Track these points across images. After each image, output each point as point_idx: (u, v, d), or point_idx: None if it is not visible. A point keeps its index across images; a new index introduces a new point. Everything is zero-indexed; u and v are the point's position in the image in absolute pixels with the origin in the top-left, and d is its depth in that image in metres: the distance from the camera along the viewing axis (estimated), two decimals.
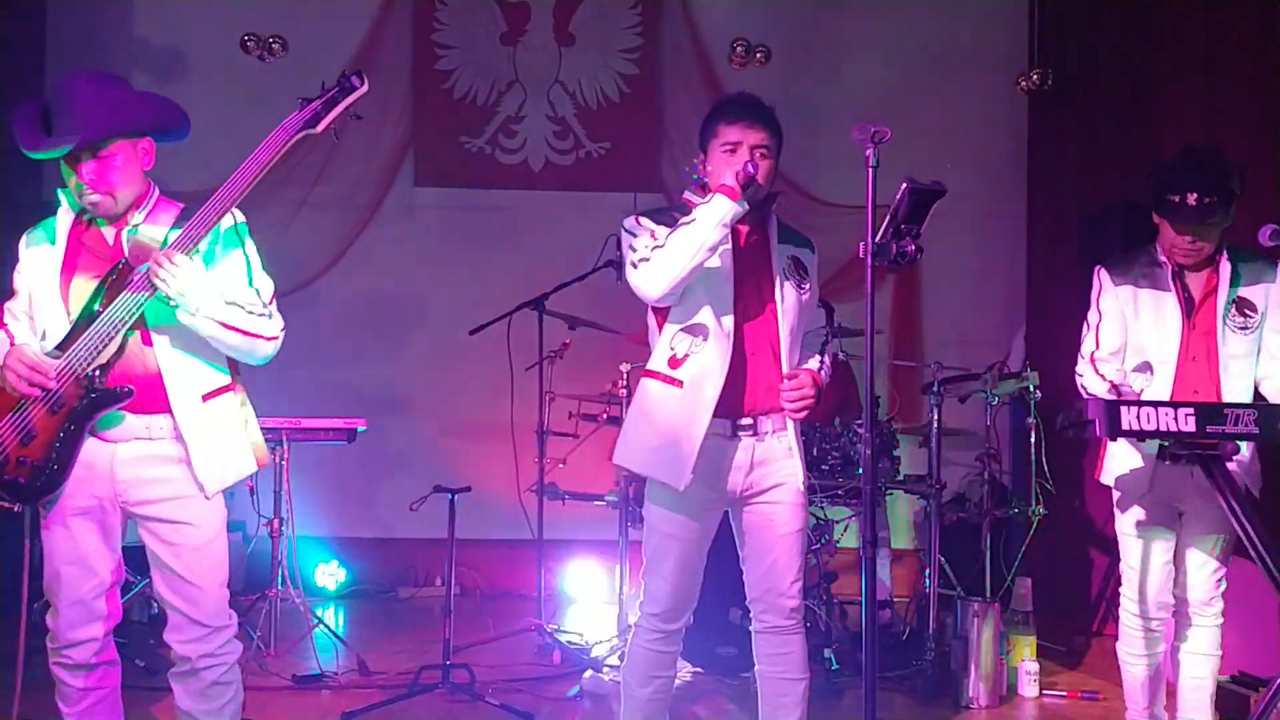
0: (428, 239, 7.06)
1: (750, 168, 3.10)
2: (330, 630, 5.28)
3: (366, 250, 6.95)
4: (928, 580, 5.09)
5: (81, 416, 2.91)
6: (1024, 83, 6.78)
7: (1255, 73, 5.28)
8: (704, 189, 3.30)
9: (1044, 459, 5.17)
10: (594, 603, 6.49)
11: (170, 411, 2.99)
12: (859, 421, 5.14)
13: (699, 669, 4.94)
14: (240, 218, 3.12)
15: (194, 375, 3.04)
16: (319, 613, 5.38)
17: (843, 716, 4.53)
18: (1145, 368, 3.66)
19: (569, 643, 5.37)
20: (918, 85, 7.02)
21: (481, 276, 6.80)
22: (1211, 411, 3.25)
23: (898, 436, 5.50)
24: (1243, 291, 3.60)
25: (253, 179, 2.94)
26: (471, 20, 7.07)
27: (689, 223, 3.05)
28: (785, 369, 3.22)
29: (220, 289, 2.96)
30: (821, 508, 5.22)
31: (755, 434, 3.21)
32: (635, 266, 3.10)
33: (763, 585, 3.27)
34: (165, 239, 2.97)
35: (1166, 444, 3.47)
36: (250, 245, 3.13)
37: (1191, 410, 3.24)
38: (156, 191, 3.11)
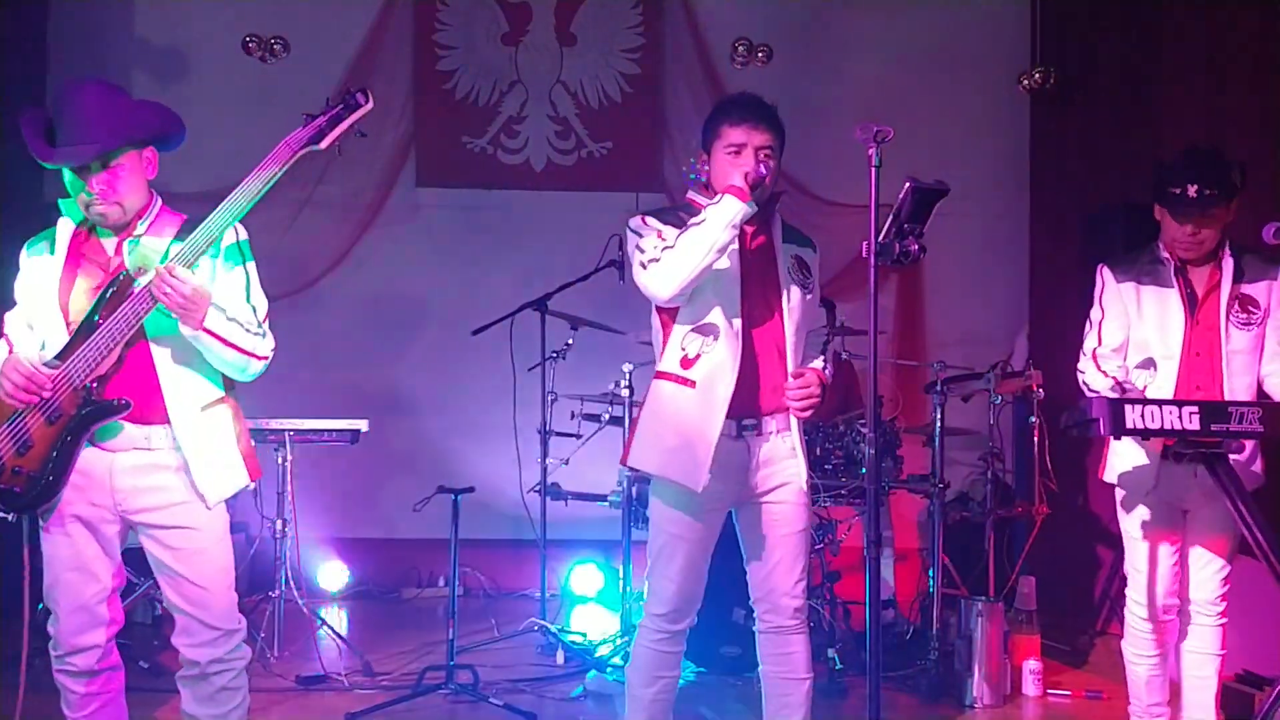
0: (430, 239, 7.06)
1: (761, 170, 3.10)
2: (334, 631, 5.28)
3: (369, 251, 6.96)
4: (931, 580, 5.08)
5: (79, 427, 2.90)
6: (1026, 82, 6.77)
7: (1257, 72, 5.28)
8: (706, 188, 3.30)
9: (1047, 458, 5.17)
10: (597, 603, 6.49)
11: (169, 422, 2.99)
12: (862, 421, 5.14)
13: (703, 669, 4.93)
14: (243, 234, 3.11)
15: (192, 386, 3.03)
16: (322, 614, 5.38)
17: (846, 716, 4.53)
18: (1148, 364, 3.67)
19: (572, 643, 5.37)
20: (919, 85, 7.02)
21: (484, 277, 6.81)
22: (1216, 410, 3.26)
23: (901, 436, 5.49)
24: (1245, 288, 3.61)
25: (255, 195, 2.93)
26: (473, 20, 7.07)
27: (698, 223, 3.05)
28: (790, 368, 3.22)
29: (221, 305, 2.96)
30: (825, 507, 5.22)
31: (760, 433, 3.21)
32: (644, 267, 3.10)
33: (766, 585, 3.27)
34: (167, 251, 2.96)
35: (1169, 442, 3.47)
36: (250, 263, 3.13)
37: (1196, 409, 3.24)
38: (159, 202, 3.10)
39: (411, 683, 4.66)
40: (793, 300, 3.25)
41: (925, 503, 5.75)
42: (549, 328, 5.67)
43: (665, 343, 3.24)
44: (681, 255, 3.04)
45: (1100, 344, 3.74)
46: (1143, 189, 3.73)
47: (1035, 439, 5.16)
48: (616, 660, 5.03)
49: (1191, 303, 3.63)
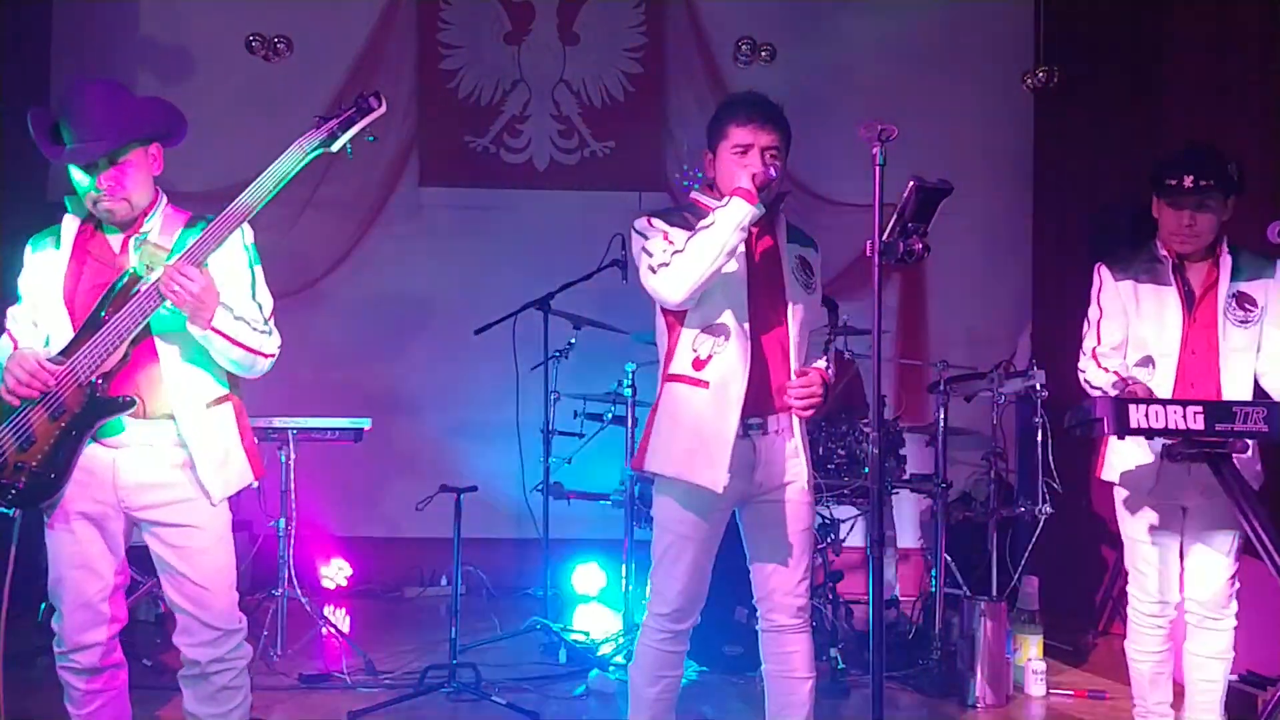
0: (433, 238, 7.06)
1: (772, 172, 3.10)
2: (336, 629, 5.28)
3: (372, 250, 6.97)
4: (934, 579, 5.08)
5: (82, 424, 2.91)
6: (1030, 80, 6.76)
7: (1263, 68, 5.27)
8: (710, 188, 3.29)
9: (1050, 458, 5.16)
10: (599, 602, 6.49)
11: (173, 419, 2.99)
12: (865, 420, 5.13)
13: (705, 668, 4.93)
14: (249, 234, 3.12)
15: (197, 384, 3.04)
16: (325, 612, 5.38)
17: (849, 715, 4.53)
18: (1147, 362, 3.68)
19: (575, 642, 5.37)
20: (923, 83, 7.02)
21: (487, 276, 6.81)
22: (1220, 409, 3.26)
23: (904, 435, 5.49)
24: (1243, 286, 3.62)
25: (265, 196, 2.94)
26: (476, 19, 7.07)
27: (708, 226, 3.04)
28: (794, 368, 3.22)
29: (229, 303, 2.97)
30: (827, 506, 5.22)
31: (765, 432, 3.21)
32: (654, 271, 3.09)
33: (770, 584, 3.26)
34: (174, 248, 2.97)
35: (1169, 442, 3.47)
36: (257, 260, 3.14)
37: (1200, 408, 3.24)
38: (164, 199, 3.11)
39: (414, 681, 4.66)
40: (797, 300, 3.25)
41: (928, 502, 5.75)
42: (552, 327, 5.67)
43: (674, 344, 3.23)
44: (692, 259, 3.02)
45: (1100, 342, 3.75)
46: (1147, 187, 3.74)
47: (1038, 438, 5.15)
48: (619, 659, 5.03)
49: (1189, 301, 3.64)
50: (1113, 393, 3.52)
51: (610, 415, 5.66)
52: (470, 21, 7.07)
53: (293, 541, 5.20)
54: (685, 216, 3.19)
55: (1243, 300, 3.61)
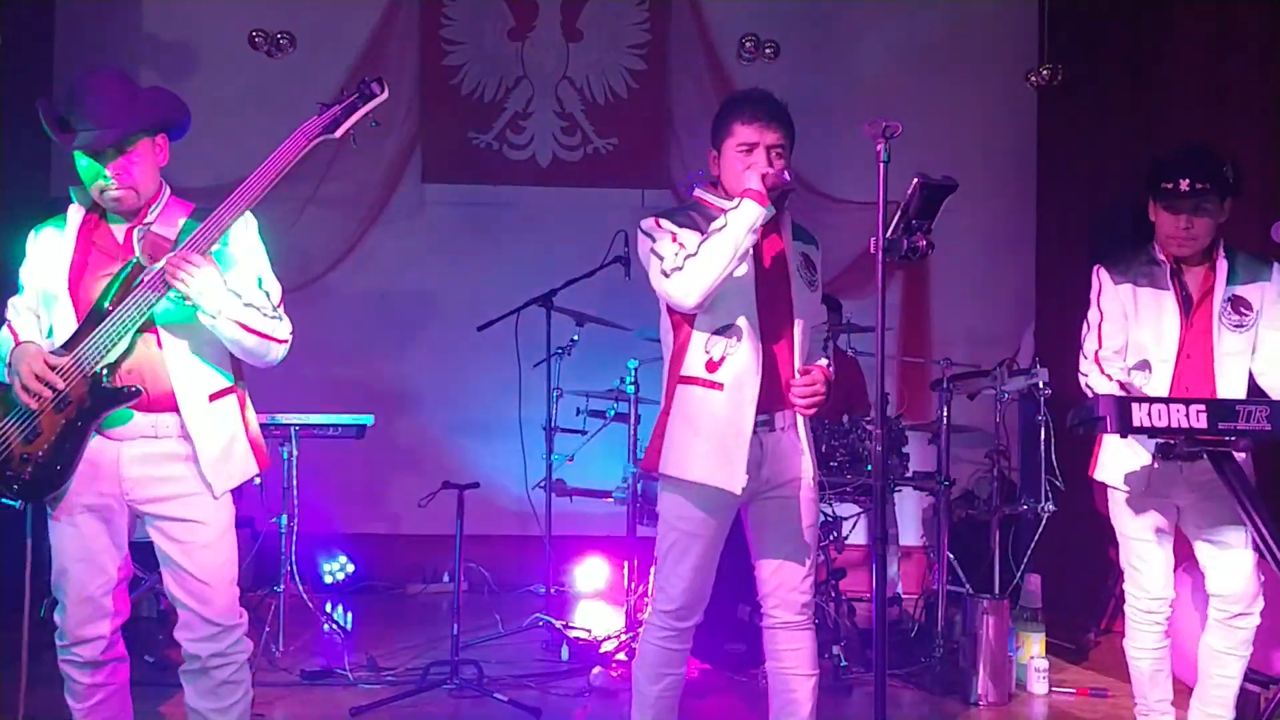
0: (436, 235, 7.06)
1: (785, 175, 3.09)
2: (338, 626, 5.28)
3: (374, 246, 6.97)
4: (937, 577, 5.08)
5: (88, 415, 2.90)
6: (1033, 78, 6.76)
7: (1263, 68, 5.26)
8: (714, 186, 3.29)
9: (1053, 456, 5.16)
10: (602, 599, 6.49)
11: (177, 410, 2.99)
12: (868, 418, 5.13)
13: (707, 665, 4.93)
14: (253, 222, 3.12)
15: (201, 375, 3.04)
16: (327, 608, 5.38)
17: (851, 713, 4.53)
18: (1144, 365, 3.68)
19: (577, 639, 5.37)
20: (927, 80, 7.02)
21: (489, 272, 6.81)
22: (1223, 408, 3.26)
23: (906, 433, 5.49)
24: (1238, 290, 3.62)
25: (269, 182, 2.94)
26: (479, 16, 7.07)
27: (720, 229, 3.03)
28: (798, 365, 3.22)
29: (236, 290, 2.97)
30: (830, 504, 5.22)
31: (772, 429, 3.21)
32: (667, 275, 3.06)
33: (774, 580, 3.26)
34: (178, 239, 2.97)
35: (1166, 441, 3.46)
36: (263, 249, 3.14)
37: (1203, 407, 3.24)
38: (168, 191, 3.11)
39: (416, 678, 4.66)
40: (803, 299, 3.25)
41: (931, 500, 5.75)
42: (554, 324, 5.67)
43: (683, 345, 3.21)
44: (705, 263, 3.01)
45: (1101, 346, 3.74)
46: (1144, 190, 3.74)
47: (1041, 437, 5.15)
48: (621, 656, 5.03)
49: (1186, 305, 3.64)
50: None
51: (613, 412, 5.66)
52: (473, 18, 7.07)
53: (295, 538, 5.20)
54: (692, 216, 3.18)
55: (1238, 304, 3.61)
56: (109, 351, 2.89)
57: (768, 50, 6.82)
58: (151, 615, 5.52)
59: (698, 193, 3.34)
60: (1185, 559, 3.90)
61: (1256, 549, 3.50)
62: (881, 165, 2.75)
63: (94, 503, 2.97)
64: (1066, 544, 5.91)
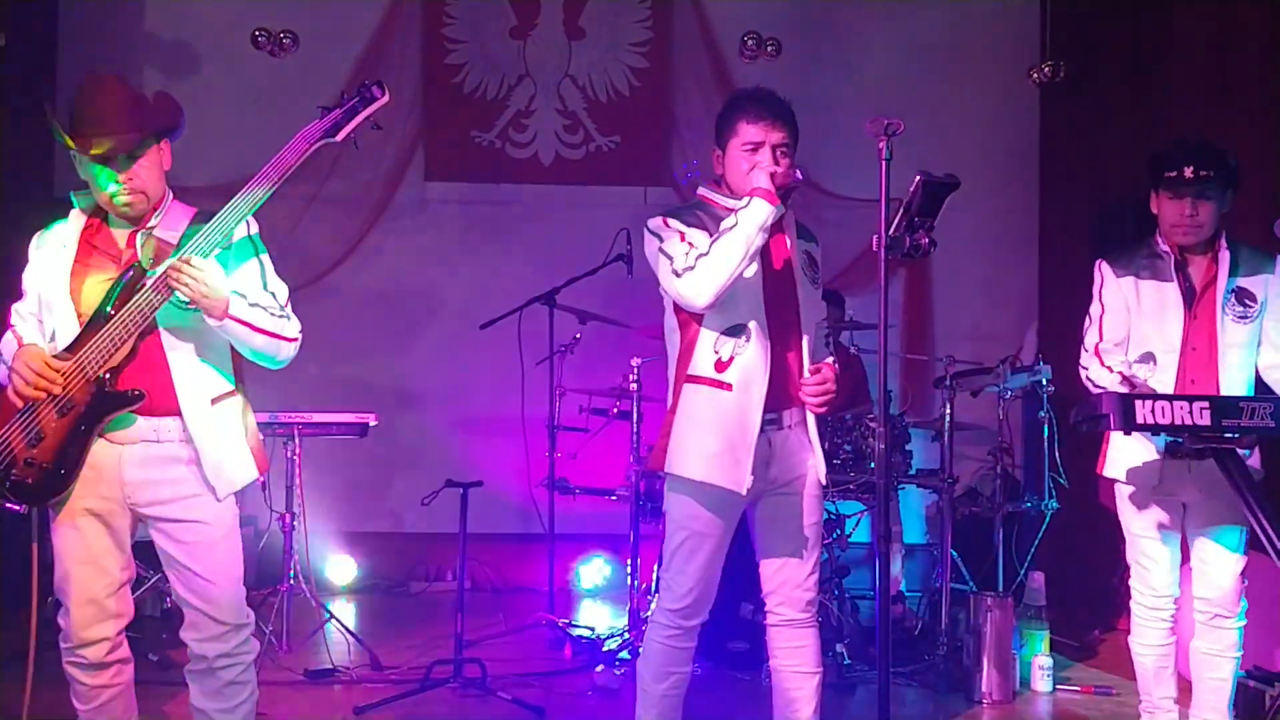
0: (438, 233, 7.06)
1: (797, 174, 3.09)
2: (342, 625, 5.28)
3: (377, 245, 6.97)
4: (940, 575, 5.08)
5: (91, 419, 2.90)
6: (1035, 75, 6.76)
7: (1267, 64, 5.26)
8: (718, 184, 3.28)
9: (1056, 453, 5.16)
10: (605, 597, 6.49)
11: (179, 414, 2.99)
12: (871, 415, 5.13)
13: (710, 663, 4.93)
14: (254, 226, 3.12)
15: (203, 379, 3.04)
16: (331, 607, 5.38)
17: (854, 711, 4.53)
18: (1148, 358, 3.67)
19: (580, 637, 5.37)
20: (929, 78, 7.02)
21: (492, 271, 6.81)
22: (1227, 405, 3.25)
23: (910, 430, 5.48)
24: (1242, 281, 3.62)
25: (271, 186, 2.94)
26: (481, 14, 7.07)
27: (732, 228, 3.02)
28: (807, 363, 3.22)
29: (241, 292, 2.97)
30: (833, 501, 5.21)
31: (780, 427, 3.21)
32: (678, 276, 3.06)
33: (779, 577, 3.26)
34: (181, 243, 2.97)
35: (1173, 439, 3.46)
36: (264, 250, 3.14)
37: (1206, 404, 3.23)
38: (171, 194, 3.11)
39: (419, 676, 4.66)
40: (808, 296, 3.26)
41: (934, 497, 5.74)
42: (557, 322, 5.67)
43: (691, 345, 3.20)
44: (719, 262, 3.00)
45: (1102, 339, 3.74)
46: (1146, 182, 3.74)
47: (1045, 434, 5.15)
48: (624, 655, 5.03)
49: (1189, 297, 3.63)
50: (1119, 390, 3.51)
51: (616, 410, 5.66)
52: (475, 16, 7.06)
53: (298, 536, 5.20)
54: (698, 215, 3.18)
55: (1242, 295, 3.61)
56: (112, 356, 2.89)
57: (769, 48, 6.82)
58: (155, 615, 5.52)
59: (702, 191, 3.33)
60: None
61: (1258, 549, 3.49)
62: (884, 163, 2.75)
63: (96, 507, 2.97)
64: (1070, 541, 5.91)
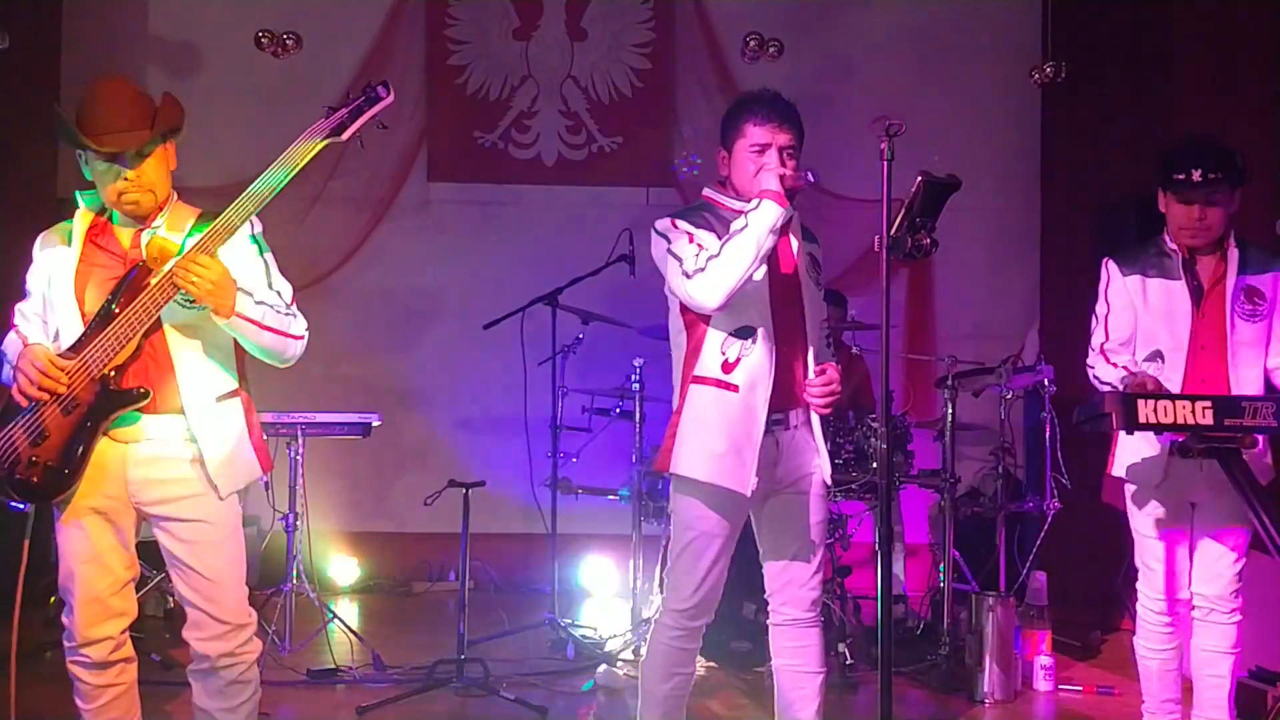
0: (441, 234, 7.07)
1: (809, 176, 3.10)
2: (345, 625, 5.29)
3: (380, 245, 6.98)
4: (942, 575, 5.08)
5: (96, 417, 2.91)
6: (1037, 75, 6.76)
7: (1269, 62, 5.26)
8: (723, 185, 3.29)
9: (1059, 453, 5.16)
10: (608, 597, 6.50)
11: (184, 413, 3.00)
12: (873, 416, 5.13)
13: (713, 664, 4.93)
14: (258, 225, 3.12)
15: (208, 377, 3.04)
16: (333, 607, 5.39)
17: (856, 711, 4.53)
18: (1156, 357, 3.66)
19: (583, 637, 5.37)
20: (930, 79, 7.02)
21: (495, 271, 6.82)
22: (1229, 404, 3.24)
23: (911, 430, 5.49)
24: (1250, 279, 3.61)
25: (277, 185, 2.93)
26: (484, 16, 7.08)
27: (741, 230, 3.03)
28: (811, 364, 3.22)
29: (248, 290, 2.98)
30: (835, 501, 5.21)
31: (786, 427, 3.21)
32: (689, 277, 3.05)
33: (784, 577, 3.26)
34: (184, 242, 2.98)
35: (1184, 442, 3.45)
36: (268, 250, 3.14)
37: (1209, 403, 3.22)
38: (175, 195, 3.12)
39: (422, 676, 4.67)
40: (812, 297, 3.26)
41: (936, 498, 5.75)
42: (560, 322, 5.67)
43: (698, 346, 3.20)
44: (729, 263, 3.01)
45: (1108, 338, 3.73)
46: (1154, 182, 3.73)
47: (1046, 434, 5.15)
48: (627, 654, 5.03)
49: (1197, 295, 3.62)
50: (1121, 388, 3.51)
51: (618, 410, 5.66)
52: (478, 18, 7.08)
53: (301, 536, 5.20)
54: (706, 217, 3.18)
55: (1251, 294, 3.59)
56: (116, 354, 2.89)
57: (771, 48, 6.82)
58: (158, 615, 5.53)
59: (707, 192, 3.34)
60: None
61: (1258, 548, 3.49)
62: (885, 163, 2.75)
63: (100, 505, 2.98)
64: (1072, 541, 5.91)
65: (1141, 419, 3.22)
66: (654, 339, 4.94)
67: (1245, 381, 3.56)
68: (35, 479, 2.88)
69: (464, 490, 4.64)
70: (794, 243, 3.27)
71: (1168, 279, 3.65)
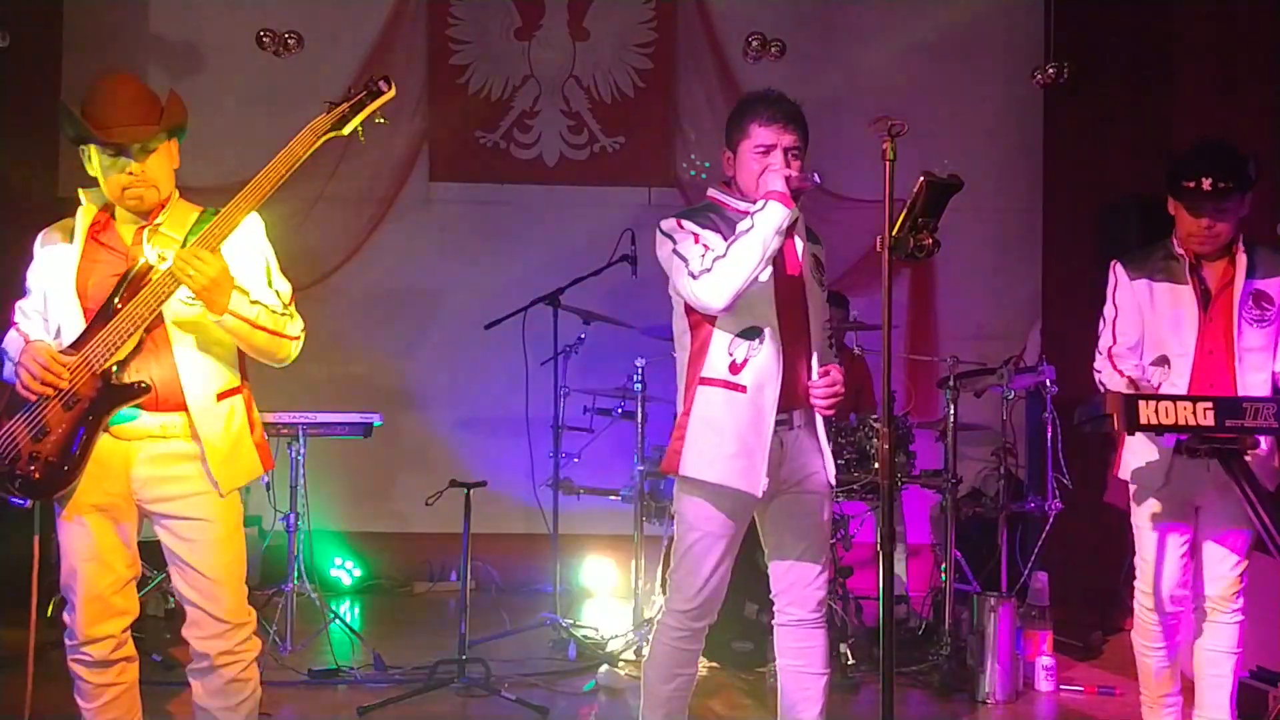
0: (443, 234, 7.07)
1: (816, 178, 3.10)
2: (346, 625, 5.29)
3: (382, 245, 6.98)
4: (944, 575, 5.08)
5: (97, 412, 2.90)
6: (1039, 75, 6.76)
7: (1271, 63, 5.26)
8: (728, 186, 3.29)
9: (1060, 454, 5.15)
10: (609, 597, 6.49)
11: (185, 410, 2.99)
12: (875, 416, 5.13)
13: (714, 664, 4.93)
14: (260, 223, 3.12)
15: (209, 374, 3.04)
16: (335, 607, 5.39)
17: (858, 711, 4.53)
18: (1163, 361, 3.64)
19: (584, 637, 5.37)
20: (932, 79, 7.02)
21: (496, 271, 6.82)
22: (1230, 405, 3.23)
23: (913, 431, 5.48)
24: (1259, 284, 3.58)
25: (278, 179, 2.94)
26: (486, 15, 7.09)
27: (748, 231, 3.02)
28: (815, 365, 3.22)
29: (245, 288, 2.97)
30: (838, 501, 5.21)
31: (790, 427, 3.21)
32: (695, 278, 3.05)
33: (789, 577, 3.26)
34: (186, 239, 2.98)
35: (1190, 444, 3.44)
36: (269, 249, 3.14)
37: (1210, 404, 3.21)
38: (176, 192, 3.12)
39: (423, 677, 4.67)
40: (815, 298, 3.26)
41: (938, 498, 5.74)
42: (562, 322, 5.67)
43: (704, 346, 3.19)
44: (736, 265, 3.00)
45: (1115, 342, 3.71)
46: (1157, 182, 3.71)
47: (1048, 434, 5.15)
48: (628, 655, 5.03)
49: (1205, 299, 3.60)
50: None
51: (620, 410, 5.66)
52: (480, 17, 7.08)
53: (302, 536, 5.21)
54: (711, 218, 3.18)
55: (1259, 298, 3.57)
56: (118, 349, 2.89)
57: (773, 48, 6.82)
58: (158, 614, 5.54)
59: (712, 193, 3.33)
60: None
61: (1264, 547, 3.48)
62: (887, 163, 2.75)
63: (102, 502, 2.98)
64: (1074, 542, 5.91)
65: (1143, 420, 3.21)
66: (656, 339, 4.95)
67: (1252, 386, 3.53)
68: (36, 474, 2.88)
69: (465, 490, 4.64)
70: (799, 244, 3.27)
71: (1175, 283, 3.62)
